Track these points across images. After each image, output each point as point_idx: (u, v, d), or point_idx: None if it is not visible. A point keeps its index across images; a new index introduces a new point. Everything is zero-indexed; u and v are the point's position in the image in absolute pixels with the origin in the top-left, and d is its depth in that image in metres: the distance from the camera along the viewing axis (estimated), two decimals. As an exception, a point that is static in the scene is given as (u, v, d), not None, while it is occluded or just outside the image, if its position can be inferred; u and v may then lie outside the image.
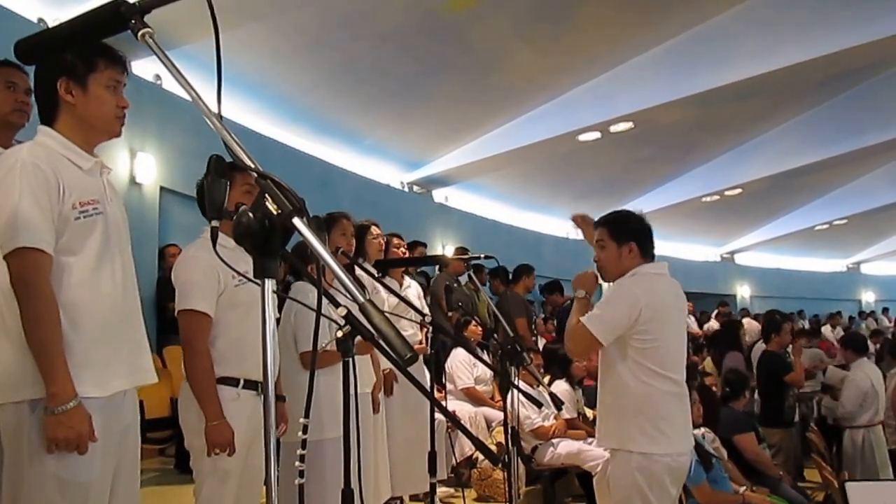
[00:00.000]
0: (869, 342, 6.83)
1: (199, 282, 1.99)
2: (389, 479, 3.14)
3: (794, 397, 4.86)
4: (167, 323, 4.77)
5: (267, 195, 0.83)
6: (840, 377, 5.17)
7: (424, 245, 5.68)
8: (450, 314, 4.79)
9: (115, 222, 1.57)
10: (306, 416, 1.27)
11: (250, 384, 2.01)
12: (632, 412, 2.11)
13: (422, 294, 3.77)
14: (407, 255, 3.94)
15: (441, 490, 3.63)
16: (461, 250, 5.58)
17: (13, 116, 1.91)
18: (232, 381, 2.01)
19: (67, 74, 1.51)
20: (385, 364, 3.12)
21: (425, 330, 3.35)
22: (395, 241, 3.68)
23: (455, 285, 4.89)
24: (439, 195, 9.39)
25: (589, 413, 4.60)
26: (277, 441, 2.23)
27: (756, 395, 4.86)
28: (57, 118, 1.55)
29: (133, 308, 1.62)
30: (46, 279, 1.42)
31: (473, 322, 4.58)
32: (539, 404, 2.61)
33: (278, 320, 2.49)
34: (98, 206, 1.53)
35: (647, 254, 2.23)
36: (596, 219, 2.35)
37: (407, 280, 3.66)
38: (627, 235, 2.21)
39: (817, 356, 6.63)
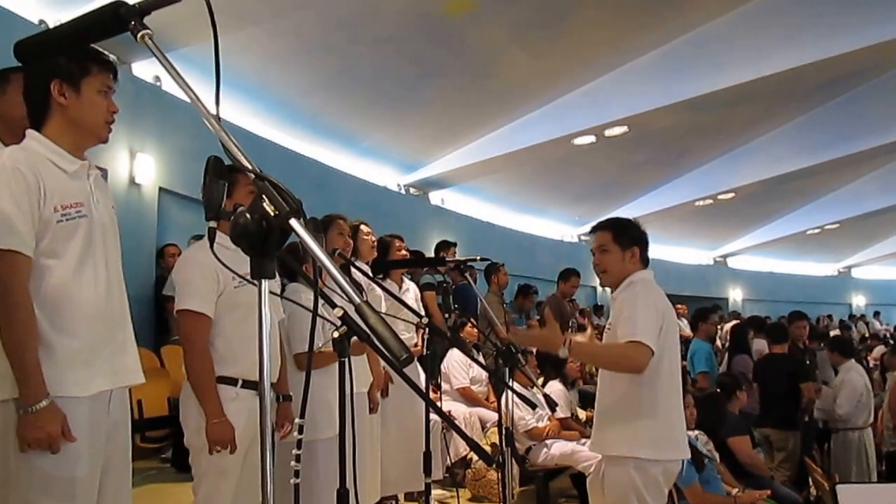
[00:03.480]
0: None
1: (197, 282, 2.00)
2: (379, 479, 3.14)
3: (805, 401, 4.86)
4: (165, 323, 4.77)
5: (264, 196, 0.85)
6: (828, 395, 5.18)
7: (455, 244, 5.50)
8: (446, 315, 4.79)
9: (100, 224, 1.58)
10: (301, 416, 1.29)
11: (250, 384, 2.02)
12: (643, 420, 2.11)
13: (419, 297, 3.78)
14: (407, 255, 3.94)
15: (436, 492, 3.63)
16: (444, 244, 5.48)
17: (28, 121, 1.92)
18: (231, 381, 2.02)
19: (61, 77, 1.53)
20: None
21: (421, 332, 3.36)
22: (398, 243, 3.67)
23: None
24: (435, 197, 9.41)
25: (582, 414, 4.62)
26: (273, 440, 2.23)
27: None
28: (47, 121, 1.56)
29: (118, 309, 1.62)
30: (23, 281, 1.43)
31: (469, 323, 4.60)
32: (533, 405, 2.62)
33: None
34: (82, 209, 1.53)
35: (644, 260, 2.29)
36: (590, 222, 2.39)
37: (406, 283, 3.66)
38: (631, 241, 2.27)
39: (826, 359, 6.68)
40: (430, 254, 5.72)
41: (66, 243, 1.50)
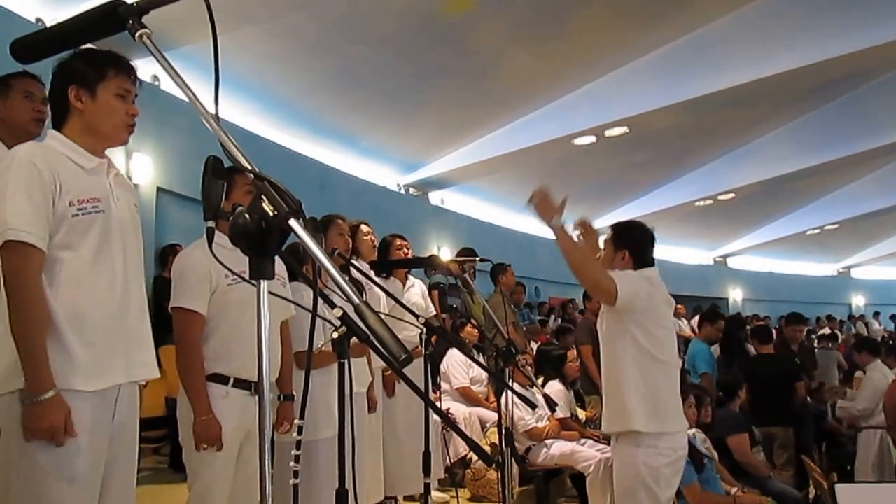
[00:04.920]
0: None
1: (190, 280, 2.02)
2: (382, 480, 3.13)
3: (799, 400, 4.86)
4: (164, 322, 4.76)
5: (263, 196, 0.84)
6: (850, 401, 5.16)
7: (476, 256, 5.33)
8: (444, 316, 4.79)
9: (119, 221, 1.59)
10: (301, 416, 1.29)
11: (241, 383, 2.02)
12: (634, 393, 2.22)
13: (426, 293, 3.77)
14: (409, 255, 3.93)
15: (436, 495, 3.63)
16: (466, 251, 5.48)
17: (30, 126, 1.94)
18: (222, 379, 2.02)
19: (78, 82, 1.54)
20: (380, 363, 3.11)
21: (420, 331, 3.35)
22: (399, 242, 3.68)
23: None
24: (435, 197, 9.40)
25: (582, 414, 4.62)
26: (272, 441, 2.23)
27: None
28: (66, 123, 1.58)
29: (135, 304, 1.63)
30: (34, 273, 1.44)
31: (469, 324, 4.60)
32: (533, 405, 2.62)
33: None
34: (99, 205, 1.54)
35: (640, 263, 2.37)
36: (595, 222, 2.52)
37: (411, 279, 3.66)
38: (623, 243, 2.39)
39: (835, 358, 6.73)
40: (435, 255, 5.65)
41: (81, 237, 1.51)
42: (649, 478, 2.16)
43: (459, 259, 3.73)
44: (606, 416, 2.32)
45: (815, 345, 7.78)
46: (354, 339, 1.12)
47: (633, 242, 2.39)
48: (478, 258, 3.38)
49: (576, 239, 2.50)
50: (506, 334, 4.91)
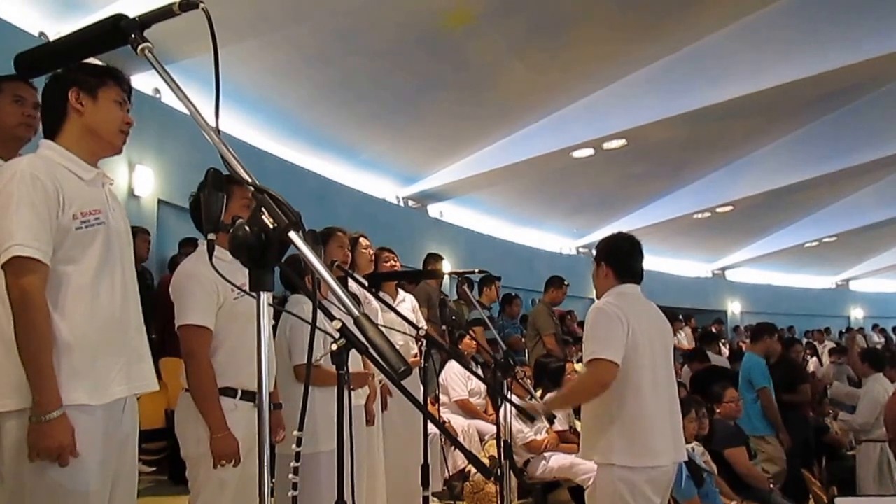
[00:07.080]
0: None
1: (197, 296, 2.01)
2: (385, 492, 3.11)
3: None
4: (165, 335, 4.74)
5: (263, 208, 0.85)
6: (845, 392, 5.16)
7: (492, 276, 5.41)
8: (444, 327, 4.78)
9: (117, 232, 1.60)
10: (300, 428, 1.28)
11: (248, 395, 2.03)
12: (615, 426, 2.15)
13: (417, 307, 3.78)
14: (397, 266, 3.94)
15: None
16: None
17: (20, 130, 1.92)
18: (230, 392, 2.02)
19: (79, 85, 1.57)
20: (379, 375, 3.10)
21: (420, 343, 3.36)
22: (385, 254, 3.69)
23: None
24: (434, 210, 9.42)
25: (580, 427, 4.59)
26: (272, 452, 2.22)
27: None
28: (62, 129, 1.58)
29: (133, 316, 1.63)
30: (40, 289, 1.43)
31: (468, 336, 4.59)
32: (531, 418, 2.61)
33: (274, 328, 2.50)
34: (100, 216, 1.55)
35: (622, 275, 2.31)
36: (593, 234, 2.53)
37: (401, 294, 3.66)
38: (601, 257, 2.36)
39: (846, 372, 6.71)
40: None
41: (84, 250, 1.51)
42: (624, 490, 2.11)
43: (457, 271, 3.74)
44: (588, 447, 2.24)
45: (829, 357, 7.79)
46: (354, 371, 1.12)
47: (611, 253, 2.33)
48: (476, 270, 3.38)
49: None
50: (551, 344, 4.98)
